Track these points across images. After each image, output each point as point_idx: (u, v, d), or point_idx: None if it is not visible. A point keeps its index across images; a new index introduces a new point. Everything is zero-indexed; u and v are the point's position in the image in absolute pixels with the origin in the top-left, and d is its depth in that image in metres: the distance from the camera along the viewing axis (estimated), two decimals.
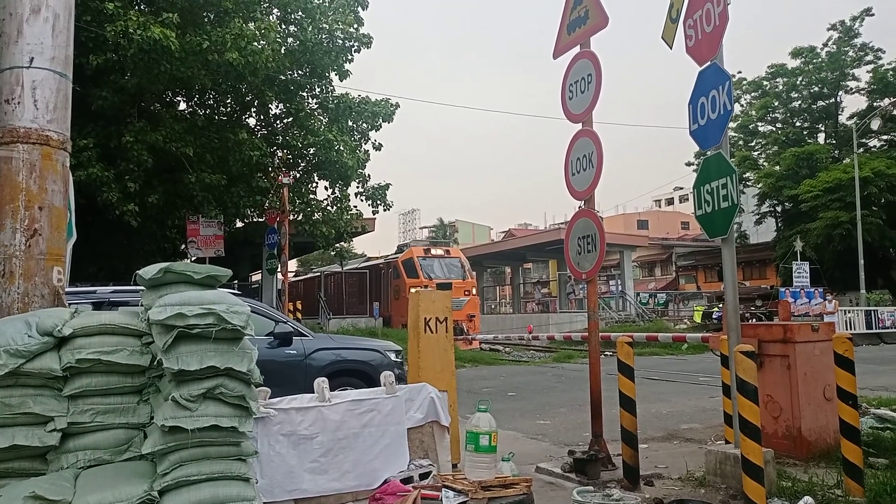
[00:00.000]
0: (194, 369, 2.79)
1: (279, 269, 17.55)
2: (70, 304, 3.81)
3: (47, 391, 2.81)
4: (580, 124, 6.30)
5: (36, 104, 4.00)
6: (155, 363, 2.97)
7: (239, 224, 19.88)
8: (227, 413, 2.85)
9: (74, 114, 4.40)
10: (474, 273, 28.90)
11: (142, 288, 3.25)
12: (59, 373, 2.81)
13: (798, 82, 39.11)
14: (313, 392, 4.74)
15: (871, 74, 36.74)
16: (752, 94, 40.99)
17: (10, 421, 2.69)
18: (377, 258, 33.24)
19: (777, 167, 38.04)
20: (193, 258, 16.60)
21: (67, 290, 4.01)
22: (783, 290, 25.94)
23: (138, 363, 2.98)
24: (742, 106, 41.18)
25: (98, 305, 6.20)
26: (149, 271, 3.11)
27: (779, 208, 40.44)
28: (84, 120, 12.86)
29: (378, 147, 18.58)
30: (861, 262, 27.86)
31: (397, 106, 18.01)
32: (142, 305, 3.19)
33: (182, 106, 17.32)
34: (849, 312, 25.01)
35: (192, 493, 2.70)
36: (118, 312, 3.19)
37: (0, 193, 3.91)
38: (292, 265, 31.08)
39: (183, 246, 16.97)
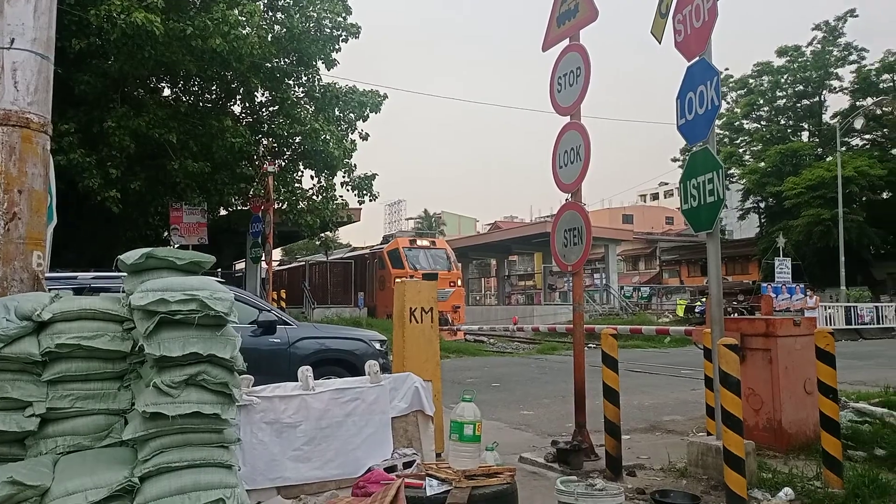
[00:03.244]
0: (176, 355, 2.76)
1: (263, 258, 17.44)
2: (50, 289, 3.75)
3: (26, 376, 2.77)
4: (568, 117, 6.29)
5: (16, 86, 3.92)
6: (136, 349, 2.93)
7: (223, 212, 19.72)
8: (210, 400, 2.82)
9: (56, 98, 4.32)
10: (460, 265, 28.89)
11: (123, 274, 3.20)
12: (38, 357, 2.77)
13: (783, 80, 39.42)
14: (297, 380, 4.72)
15: (854, 74, 37.16)
16: (738, 92, 41.29)
17: None
18: (363, 248, 33.13)
19: (761, 164, 38.40)
20: (176, 245, 16.43)
21: (48, 275, 3.95)
22: (765, 285, 26.18)
23: (119, 349, 2.94)
24: (728, 103, 41.49)
25: (79, 291, 6.11)
26: (130, 256, 3.07)
27: (762, 205, 40.83)
28: (66, 105, 12.67)
29: (365, 137, 18.49)
30: (842, 258, 28.22)
31: (385, 97, 17.94)
32: (123, 291, 3.15)
33: (166, 92, 17.13)
34: (829, 308, 25.32)
35: (174, 480, 2.67)
36: (99, 297, 3.14)
37: None
38: (277, 254, 30.91)
39: (166, 233, 16.80)
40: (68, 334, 2.84)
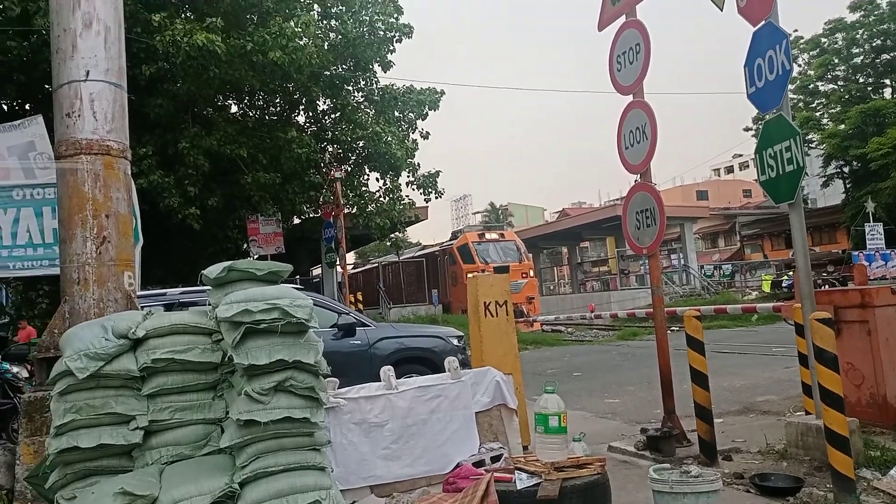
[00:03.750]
0: (264, 363, 2.84)
1: (338, 262, 17.82)
2: (143, 306, 3.93)
3: (127, 391, 2.91)
4: (631, 96, 6.13)
5: (95, 115, 4.12)
6: (226, 359, 3.03)
7: (296, 220, 20.25)
8: (299, 404, 2.89)
9: (131, 124, 4.52)
10: (530, 255, 28.67)
11: (208, 288, 3.32)
12: (137, 373, 2.90)
13: (859, 36, 37.13)
14: (379, 381, 4.78)
15: None
16: (811, 53, 39.14)
17: (95, 421, 2.80)
18: (432, 246, 33.34)
19: (842, 126, 36.32)
20: (256, 256, 17.00)
21: (139, 293, 4.15)
22: (856, 253, 24.83)
23: (210, 360, 3.05)
24: (800, 66, 39.36)
25: (169, 307, 6.41)
26: (213, 271, 3.17)
27: (846, 169, 38.62)
28: (141, 129, 13.28)
29: (426, 136, 18.60)
30: None
31: (442, 93, 17.98)
32: (209, 304, 3.26)
33: (233, 109, 17.71)
34: None
35: (271, 485, 2.75)
36: (188, 312, 3.27)
37: (69, 204, 4.06)
38: (350, 257, 31.52)
39: (245, 245, 17.41)
40: (162, 349, 2.96)
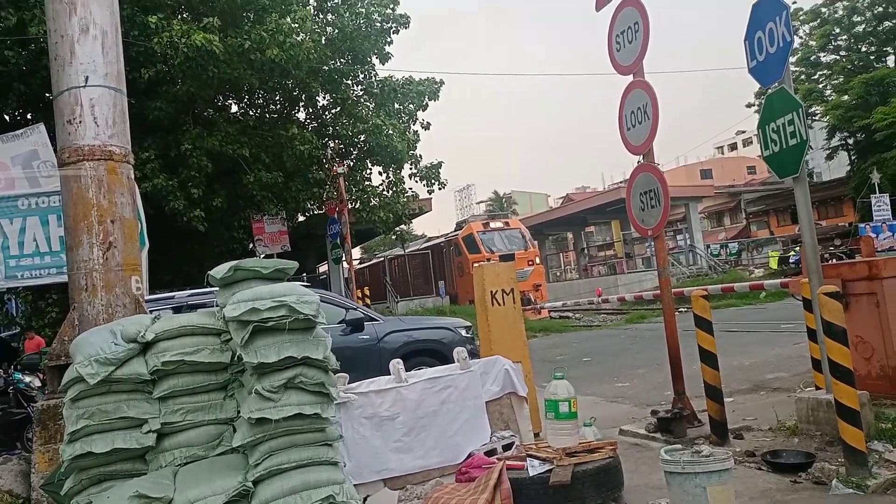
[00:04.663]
0: (273, 361, 2.86)
1: (344, 258, 17.84)
2: (151, 310, 3.96)
3: (138, 395, 2.93)
4: (631, 76, 6.10)
5: (96, 121, 4.13)
6: (235, 359, 3.05)
7: (301, 218, 20.26)
8: (309, 401, 2.91)
9: (133, 127, 4.53)
10: (536, 242, 28.64)
11: (216, 288, 3.34)
12: (148, 376, 2.93)
13: (859, 4, 36.75)
14: (389, 374, 4.81)
15: None
16: (811, 25, 38.79)
17: (107, 426, 2.83)
18: (438, 237, 33.35)
19: (845, 97, 36.00)
20: (262, 255, 17.03)
21: (147, 297, 4.17)
22: (863, 225, 24.69)
23: (220, 360, 3.07)
24: (801, 38, 38.98)
25: (178, 310, 6.45)
26: (219, 271, 3.19)
27: (850, 141, 38.33)
28: (143, 133, 13.29)
29: (426, 126, 18.55)
30: None
31: (441, 83, 17.91)
32: (217, 305, 3.29)
33: (234, 108, 17.71)
34: None
35: (285, 481, 2.77)
36: (196, 314, 3.29)
37: (73, 211, 4.08)
38: (356, 253, 31.51)
39: (251, 245, 17.45)
40: (172, 352, 2.99)
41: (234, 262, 3.22)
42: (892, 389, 5.61)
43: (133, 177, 4.41)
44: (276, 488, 2.75)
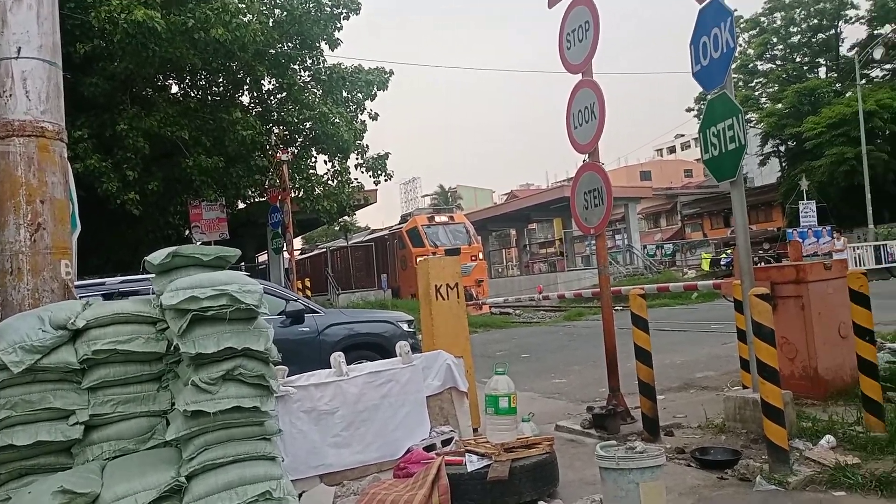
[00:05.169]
0: (212, 352, 2.77)
1: (285, 248, 17.54)
2: (80, 297, 3.79)
3: (66, 385, 2.81)
4: (580, 75, 6.17)
5: (28, 95, 3.92)
6: (171, 349, 2.96)
7: (241, 205, 19.82)
8: (248, 393, 2.85)
9: (67, 104, 4.32)
10: (480, 238, 28.83)
11: (151, 276, 3.22)
12: (77, 365, 2.80)
13: (796, 16, 38.37)
14: (330, 367, 4.76)
15: (871, 2, 35.91)
16: (750, 33, 40.28)
17: (32, 417, 2.69)
18: (382, 230, 33.17)
19: (779, 105, 37.55)
20: (199, 243, 16.58)
21: (76, 283, 3.99)
22: (791, 230, 25.80)
23: (155, 350, 2.97)
24: (741, 45, 40.48)
25: (109, 297, 6.21)
26: (157, 257, 3.08)
27: (782, 148, 40.00)
28: (76, 110, 12.74)
29: (374, 117, 18.42)
30: (868, 196, 27.68)
31: (391, 73, 17.81)
32: (153, 292, 3.17)
33: (174, 89, 17.16)
34: (858, 249, 24.93)
35: (220, 476, 2.70)
36: (130, 301, 3.17)
37: (0, 189, 3.87)
38: (297, 243, 31.10)
39: (187, 232, 16.96)
40: (103, 340, 2.86)
41: (172, 248, 3.12)
42: (813, 389, 5.89)
43: (66, 156, 4.21)
44: (210, 483, 2.67)
